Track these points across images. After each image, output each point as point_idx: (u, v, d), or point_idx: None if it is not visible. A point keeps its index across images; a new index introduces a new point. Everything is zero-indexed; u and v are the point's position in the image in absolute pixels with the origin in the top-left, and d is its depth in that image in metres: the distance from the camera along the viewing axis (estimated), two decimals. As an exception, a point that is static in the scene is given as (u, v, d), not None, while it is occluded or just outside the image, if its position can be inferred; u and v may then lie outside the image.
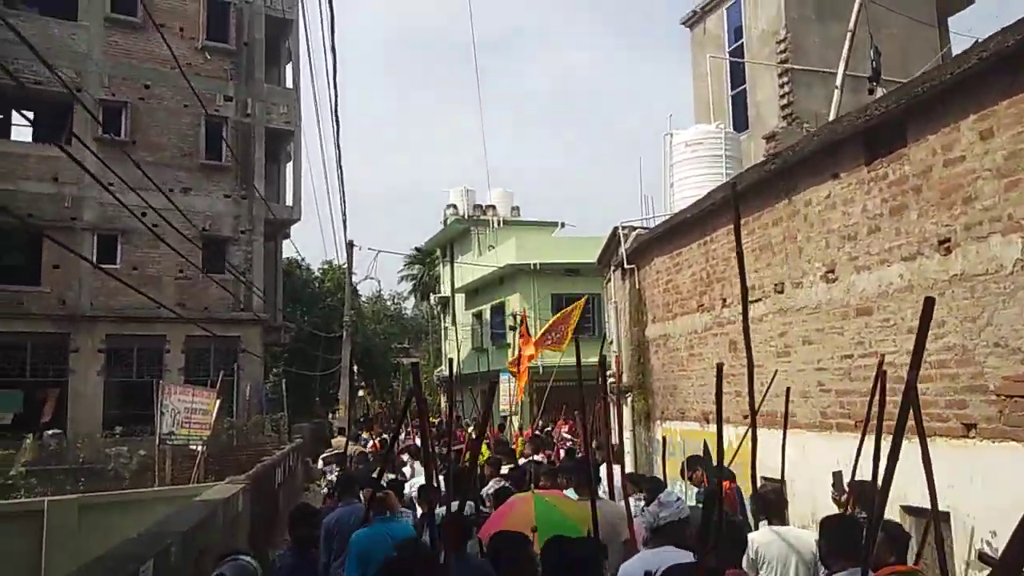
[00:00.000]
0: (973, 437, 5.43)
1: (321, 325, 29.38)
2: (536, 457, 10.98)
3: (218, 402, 13.63)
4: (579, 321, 25.45)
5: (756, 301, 8.25)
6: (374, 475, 6.25)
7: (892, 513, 6.16)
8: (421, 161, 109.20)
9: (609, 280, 15.49)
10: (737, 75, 15.61)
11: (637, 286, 11.82)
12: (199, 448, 13.32)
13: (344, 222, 27.34)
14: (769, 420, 7.90)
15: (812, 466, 7.36)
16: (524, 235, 26.94)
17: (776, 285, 7.86)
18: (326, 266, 38.97)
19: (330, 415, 29.53)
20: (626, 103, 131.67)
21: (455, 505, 4.65)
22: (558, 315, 23.54)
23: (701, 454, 8.98)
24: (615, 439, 13.18)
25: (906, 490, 6.03)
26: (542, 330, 23.32)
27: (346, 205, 23.80)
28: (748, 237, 8.34)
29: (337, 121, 20.63)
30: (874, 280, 6.40)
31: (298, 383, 31.16)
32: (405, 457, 11.38)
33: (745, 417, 8.54)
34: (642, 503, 6.01)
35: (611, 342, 17.01)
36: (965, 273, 5.45)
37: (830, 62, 14.71)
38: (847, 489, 5.63)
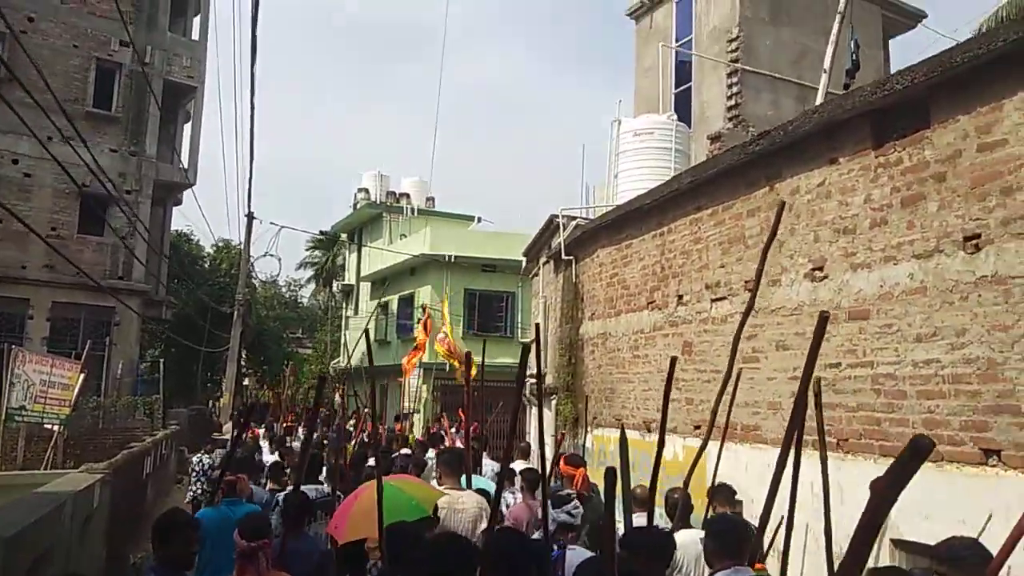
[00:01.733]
0: (995, 465, 4.68)
1: (209, 304, 27.09)
2: (404, 451, 11.20)
3: (82, 377, 11.76)
4: (491, 319, 24.54)
5: (720, 300, 7.42)
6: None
7: (882, 547, 5.39)
8: (332, 147, 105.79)
9: (536, 274, 14.52)
10: (683, 72, 14.97)
11: (574, 279, 10.87)
12: (55, 428, 11.45)
13: (249, 190, 24.75)
14: (728, 433, 7.03)
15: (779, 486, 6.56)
16: (439, 226, 25.66)
17: (747, 282, 7.03)
18: (221, 243, 36.35)
19: (211, 403, 27.33)
20: (550, 111, 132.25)
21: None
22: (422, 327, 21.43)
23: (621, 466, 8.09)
24: (535, 445, 12.20)
25: (897, 521, 5.29)
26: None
27: (253, 170, 21.92)
28: (716, 228, 7.51)
29: (253, 77, 18.86)
30: (875, 280, 5.62)
31: (179, 365, 28.67)
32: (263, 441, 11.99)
33: (696, 428, 7.69)
34: (515, 496, 6.74)
35: (531, 341, 16.04)
36: (998, 275, 4.70)
37: (779, 67, 14.31)
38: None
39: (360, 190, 32.53)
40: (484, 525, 4.53)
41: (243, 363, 30.91)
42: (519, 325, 24.35)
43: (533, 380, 13.40)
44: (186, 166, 21.74)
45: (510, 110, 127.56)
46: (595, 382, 9.86)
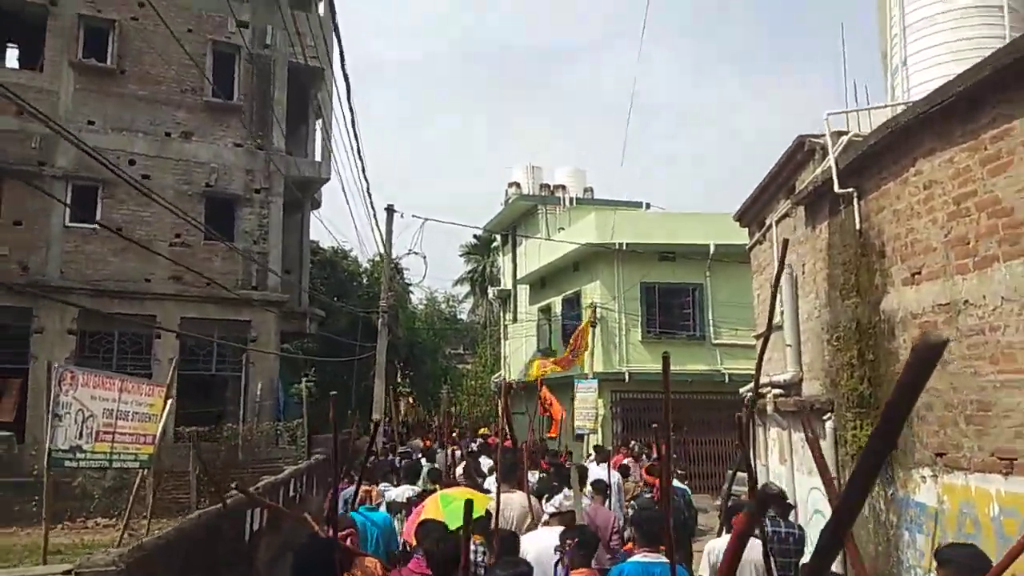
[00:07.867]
0: None
1: (359, 316, 24.74)
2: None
3: (169, 403, 8.91)
4: (674, 317, 20.41)
5: None
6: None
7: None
8: (478, 160, 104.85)
9: (762, 240, 10.35)
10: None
11: (856, 224, 6.70)
12: (141, 471, 8.65)
13: (365, 183, 22.05)
14: None
15: None
16: (605, 213, 21.78)
17: None
18: (377, 257, 34.37)
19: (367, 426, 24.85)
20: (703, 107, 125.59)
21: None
22: (574, 333, 20.05)
23: None
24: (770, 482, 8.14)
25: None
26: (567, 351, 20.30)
27: (363, 162, 19.18)
28: None
29: (347, 76, 15.91)
30: None
31: (332, 386, 26.56)
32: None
33: None
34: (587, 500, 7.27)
35: (757, 335, 11.84)
36: None
37: None
38: None
39: (511, 184, 29.33)
40: (529, 521, 5.68)
41: (397, 381, 28.48)
42: (709, 323, 19.96)
43: (778, 391, 9.22)
44: (319, 159, 19.30)
45: (660, 108, 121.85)
46: (936, 391, 5.62)
